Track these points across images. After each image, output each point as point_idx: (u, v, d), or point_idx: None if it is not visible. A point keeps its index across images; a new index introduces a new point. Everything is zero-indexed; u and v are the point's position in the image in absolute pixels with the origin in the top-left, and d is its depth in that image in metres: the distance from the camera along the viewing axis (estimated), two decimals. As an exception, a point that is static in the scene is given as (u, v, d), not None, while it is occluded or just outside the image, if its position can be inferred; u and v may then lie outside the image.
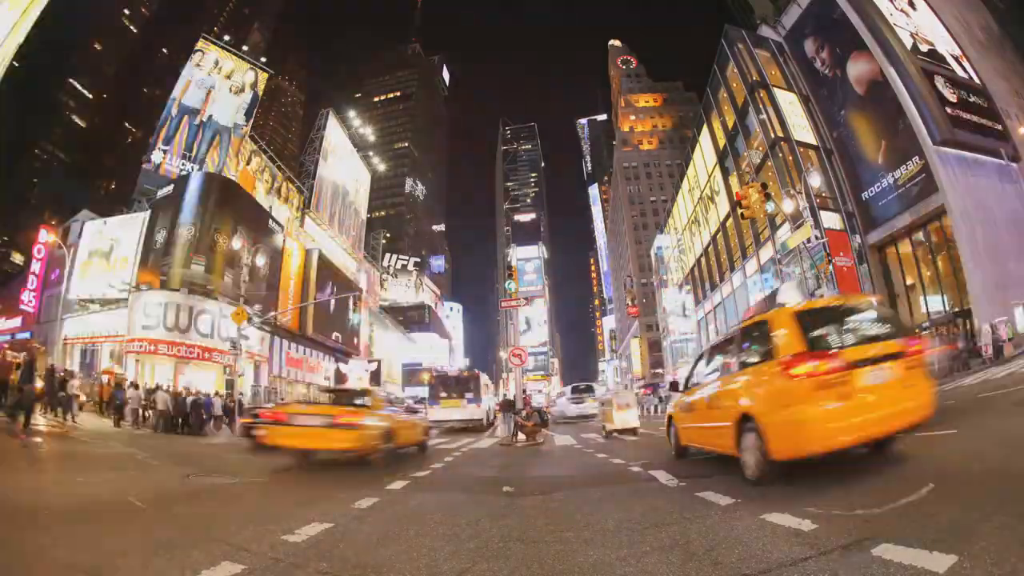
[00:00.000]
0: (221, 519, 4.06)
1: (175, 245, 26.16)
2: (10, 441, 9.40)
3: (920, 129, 20.07)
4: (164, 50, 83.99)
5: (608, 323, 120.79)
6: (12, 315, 29.57)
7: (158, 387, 18.71)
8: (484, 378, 21.79)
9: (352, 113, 76.28)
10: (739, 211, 18.61)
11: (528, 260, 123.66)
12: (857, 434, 4.06)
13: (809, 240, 19.14)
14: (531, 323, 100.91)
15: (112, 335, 25.21)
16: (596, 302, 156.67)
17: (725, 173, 32.82)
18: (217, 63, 35.71)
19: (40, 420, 12.80)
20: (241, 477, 7.00)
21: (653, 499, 4.34)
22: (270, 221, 32.92)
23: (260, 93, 38.23)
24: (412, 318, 69.13)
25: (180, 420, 16.51)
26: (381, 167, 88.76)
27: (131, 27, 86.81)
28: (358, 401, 8.68)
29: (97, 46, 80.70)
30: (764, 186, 16.54)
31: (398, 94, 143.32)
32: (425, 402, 20.95)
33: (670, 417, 7.41)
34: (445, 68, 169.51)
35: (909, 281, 22.27)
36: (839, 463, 4.27)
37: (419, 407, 17.96)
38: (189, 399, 17.16)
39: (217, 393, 20.50)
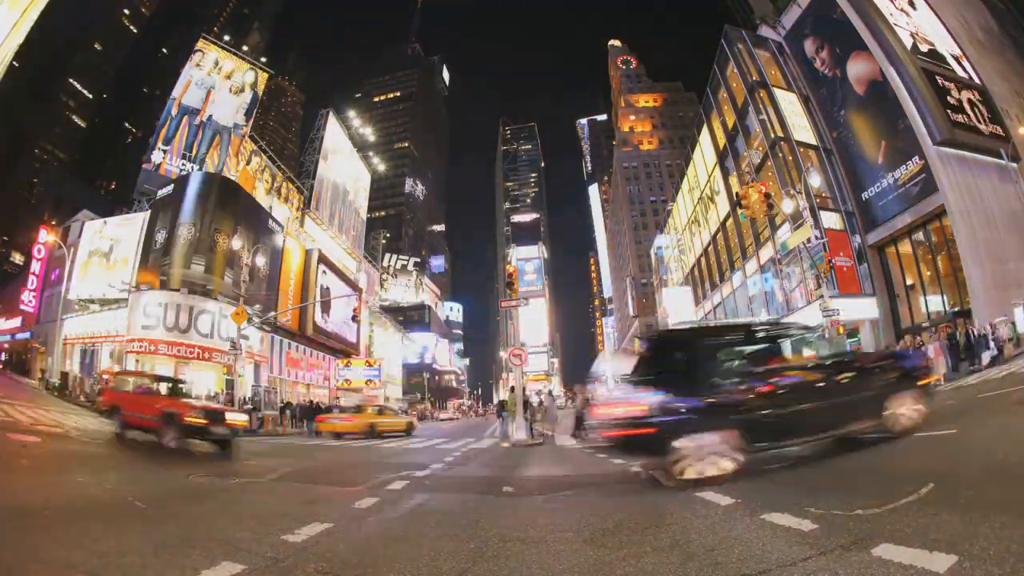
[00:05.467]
0: (221, 519, 4.06)
1: (175, 245, 26.16)
2: (9, 441, 9.39)
3: (920, 129, 20.04)
4: (164, 50, 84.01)
5: (608, 323, 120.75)
6: (12, 315, 29.60)
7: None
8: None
9: (352, 113, 76.37)
10: (739, 211, 18.58)
11: (528, 260, 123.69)
12: None
13: (809, 240, 19.07)
14: (531, 323, 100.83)
15: (112, 335, 25.22)
16: (596, 302, 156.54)
17: (725, 173, 32.76)
18: (217, 63, 35.71)
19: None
20: (241, 477, 7.00)
21: (653, 499, 4.33)
22: (270, 221, 32.93)
23: (260, 93, 38.25)
24: (412, 318, 69.25)
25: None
26: (381, 167, 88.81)
27: (131, 27, 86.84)
28: None
29: (97, 46, 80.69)
30: (768, 196, 16.51)
31: (398, 94, 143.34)
32: None
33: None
34: (445, 68, 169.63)
35: (909, 281, 22.23)
36: (841, 465, 4.26)
37: None
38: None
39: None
